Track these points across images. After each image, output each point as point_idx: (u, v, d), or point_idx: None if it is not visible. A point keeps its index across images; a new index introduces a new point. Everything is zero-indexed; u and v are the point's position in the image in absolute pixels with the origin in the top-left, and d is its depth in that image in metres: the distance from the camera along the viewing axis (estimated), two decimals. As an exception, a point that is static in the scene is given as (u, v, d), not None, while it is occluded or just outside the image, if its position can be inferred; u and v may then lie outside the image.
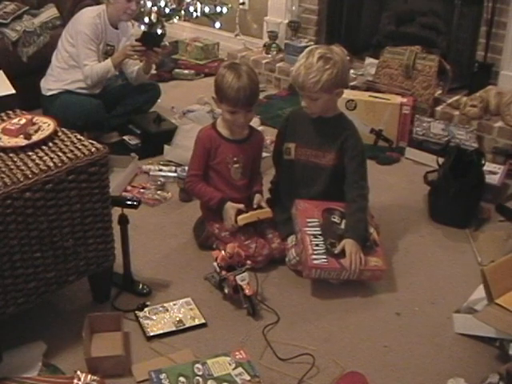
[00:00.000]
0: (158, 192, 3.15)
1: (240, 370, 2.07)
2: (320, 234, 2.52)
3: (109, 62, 3.52)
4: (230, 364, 2.09)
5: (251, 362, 2.11)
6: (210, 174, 2.70)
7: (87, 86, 3.57)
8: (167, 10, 4.62)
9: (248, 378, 2.04)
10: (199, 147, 2.68)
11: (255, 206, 2.68)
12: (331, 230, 2.55)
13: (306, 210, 2.59)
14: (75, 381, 1.94)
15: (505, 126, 3.62)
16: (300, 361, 2.13)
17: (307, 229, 2.52)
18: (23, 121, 2.20)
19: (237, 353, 2.13)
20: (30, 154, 2.07)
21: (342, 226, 2.58)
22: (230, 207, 2.62)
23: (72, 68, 3.57)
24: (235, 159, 2.67)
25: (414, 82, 3.91)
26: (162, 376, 2.00)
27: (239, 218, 2.60)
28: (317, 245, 2.48)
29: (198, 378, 2.02)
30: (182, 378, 2.01)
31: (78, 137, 2.18)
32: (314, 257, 2.45)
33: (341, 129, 2.67)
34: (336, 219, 2.60)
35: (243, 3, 4.99)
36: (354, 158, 2.65)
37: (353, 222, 2.56)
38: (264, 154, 2.94)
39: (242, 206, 2.64)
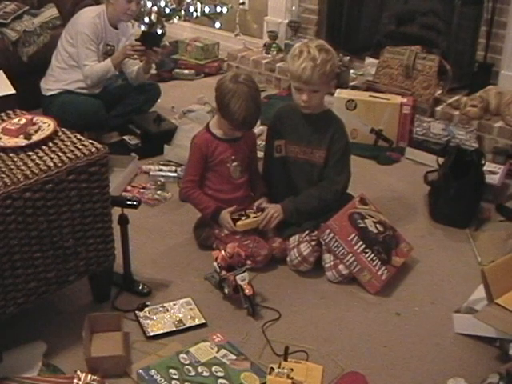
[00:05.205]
0: (158, 192, 3.15)
1: (224, 351, 2.12)
2: (366, 247, 2.52)
3: (109, 62, 3.52)
4: (211, 348, 2.13)
5: (230, 342, 2.15)
6: (209, 175, 2.70)
7: (87, 86, 3.57)
8: (167, 10, 4.61)
9: (234, 357, 2.09)
10: (196, 153, 2.67)
11: (255, 209, 2.68)
12: (367, 237, 2.55)
13: (341, 229, 2.53)
14: (75, 381, 1.94)
15: (505, 125, 3.62)
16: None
17: (356, 248, 2.51)
18: (23, 121, 2.20)
19: (214, 336, 2.17)
20: (30, 153, 2.07)
21: (369, 227, 2.58)
22: (225, 213, 2.63)
23: (72, 68, 3.57)
24: (233, 158, 2.67)
25: (414, 81, 3.91)
26: (152, 372, 2.01)
27: (239, 223, 2.61)
28: (372, 259, 2.50)
29: (187, 367, 2.04)
30: (172, 371, 2.02)
31: (78, 137, 2.18)
32: (380, 272, 2.49)
33: (328, 125, 2.69)
34: (362, 223, 2.58)
35: (243, 3, 4.99)
36: (335, 153, 2.67)
37: (300, 199, 2.65)
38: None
39: (234, 207, 2.64)
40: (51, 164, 2.01)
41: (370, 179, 3.34)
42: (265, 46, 4.77)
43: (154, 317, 2.30)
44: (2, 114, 2.32)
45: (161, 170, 3.33)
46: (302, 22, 4.69)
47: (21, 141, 2.12)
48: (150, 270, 2.57)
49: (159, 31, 4.46)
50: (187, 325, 2.28)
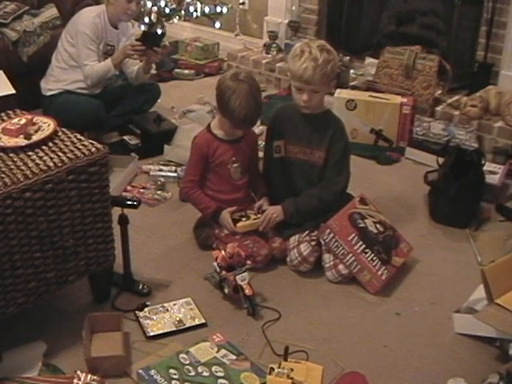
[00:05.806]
0: (158, 192, 3.15)
1: (224, 351, 2.12)
2: (366, 247, 2.52)
3: (109, 61, 3.52)
4: (211, 348, 2.13)
5: (230, 342, 2.16)
6: (209, 176, 2.70)
7: (87, 86, 3.57)
8: (167, 10, 4.61)
9: (234, 357, 2.10)
10: (196, 153, 2.67)
11: (256, 210, 2.69)
12: (367, 237, 2.55)
13: (341, 229, 2.52)
14: (75, 381, 1.94)
15: (505, 125, 3.62)
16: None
17: (356, 248, 2.51)
18: (23, 121, 2.20)
19: (214, 336, 2.18)
20: (30, 154, 2.07)
21: (369, 227, 2.57)
22: (225, 213, 2.63)
23: (72, 68, 3.57)
24: (234, 159, 2.67)
25: (414, 81, 3.91)
26: (152, 372, 2.01)
27: (239, 224, 2.61)
28: (372, 259, 2.50)
29: (187, 367, 2.05)
30: (172, 371, 2.03)
31: (78, 137, 2.18)
32: (380, 272, 2.49)
33: (328, 125, 2.68)
34: (362, 223, 2.57)
35: (243, 3, 4.99)
36: (334, 153, 2.67)
37: (300, 200, 2.65)
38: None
39: (234, 208, 2.65)
40: (51, 164, 2.01)
41: (370, 179, 3.34)
42: (265, 45, 4.77)
43: (154, 317, 2.30)
44: (2, 114, 2.32)
45: (161, 170, 3.33)
46: (302, 22, 4.69)
47: (21, 141, 2.12)
48: (150, 270, 2.57)
49: (159, 31, 4.46)
50: (187, 325, 2.28)
